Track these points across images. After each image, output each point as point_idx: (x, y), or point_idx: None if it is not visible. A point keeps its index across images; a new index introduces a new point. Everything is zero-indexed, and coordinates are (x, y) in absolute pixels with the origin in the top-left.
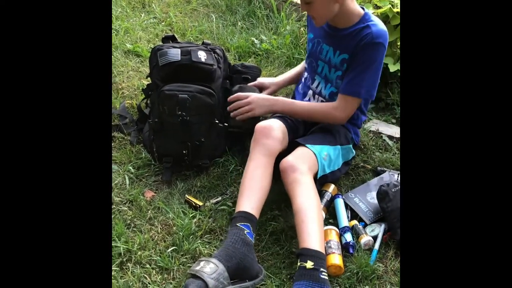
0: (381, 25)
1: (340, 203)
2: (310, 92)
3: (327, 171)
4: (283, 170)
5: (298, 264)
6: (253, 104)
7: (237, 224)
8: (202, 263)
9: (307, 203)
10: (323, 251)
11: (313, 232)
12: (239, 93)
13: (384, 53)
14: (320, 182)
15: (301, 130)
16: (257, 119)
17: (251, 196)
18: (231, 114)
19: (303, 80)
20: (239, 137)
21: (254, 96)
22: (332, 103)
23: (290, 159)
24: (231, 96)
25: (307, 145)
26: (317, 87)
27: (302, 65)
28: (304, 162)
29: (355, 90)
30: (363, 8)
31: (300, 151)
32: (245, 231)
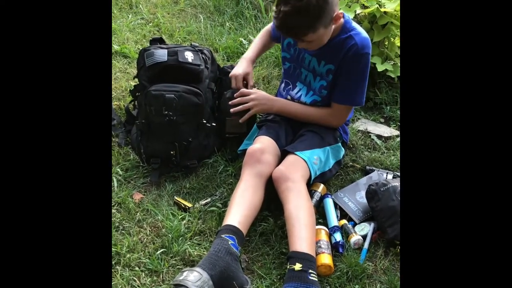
0: (363, 33)
1: (329, 202)
2: (289, 98)
3: (319, 173)
4: (276, 179)
5: (288, 267)
6: (255, 101)
7: (222, 236)
8: (185, 273)
9: (298, 209)
10: (313, 254)
11: (303, 235)
12: (244, 90)
13: (370, 60)
14: (309, 181)
15: (290, 134)
16: (253, 122)
17: (239, 212)
18: (231, 110)
19: (283, 84)
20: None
21: (257, 94)
22: (328, 109)
23: (281, 169)
24: (237, 93)
25: (296, 152)
26: (297, 93)
27: (264, 34)
28: (295, 170)
29: (349, 99)
30: (342, 15)
31: (290, 159)
32: (229, 242)
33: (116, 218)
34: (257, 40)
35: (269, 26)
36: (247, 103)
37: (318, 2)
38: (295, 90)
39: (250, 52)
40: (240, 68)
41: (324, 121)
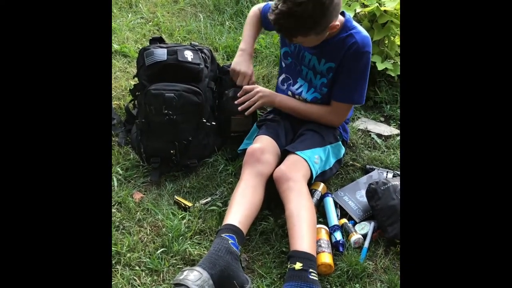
0: (363, 32)
1: (329, 201)
2: (289, 93)
3: (319, 172)
4: (277, 179)
5: (288, 266)
6: (260, 93)
7: (222, 235)
8: (185, 272)
9: (299, 208)
10: (314, 253)
11: (303, 235)
12: (247, 86)
13: (370, 59)
14: (311, 180)
15: (290, 133)
16: (256, 118)
17: (239, 211)
18: (239, 108)
19: (283, 76)
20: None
21: (260, 87)
22: (328, 107)
23: (282, 168)
24: (241, 92)
25: (297, 152)
26: (298, 89)
27: (255, 21)
28: (296, 170)
29: (349, 97)
30: (343, 13)
31: (291, 159)
32: (230, 241)
33: (116, 218)
34: (251, 29)
35: (256, 10)
36: (251, 98)
37: (314, 12)
38: (296, 86)
39: (250, 45)
40: (246, 65)
41: (324, 118)
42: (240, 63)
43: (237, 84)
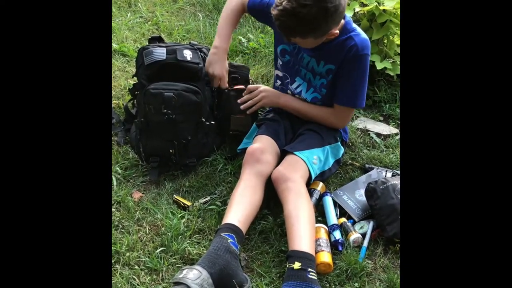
0: (362, 34)
1: (328, 201)
2: (289, 92)
3: (318, 172)
4: (275, 180)
5: (287, 265)
6: (264, 93)
7: (221, 234)
8: (185, 271)
9: (298, 208)
10: (313, 253)
11: (302, 234)
12: (250, 86)
13: (369, 61)
14: (309, 181)
15: (289, 132)
16: (256, 119)
17: (239, 211)
18: (242, 106)
19: (280, 73)
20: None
21: (264, 87)
22: (331, 110)
23: (281, 169)
24: (245, 91)
25: (295, 152)
26: (296, 88)
27: (236, 15)
28: (295, 170)
29: (351, 101)
30: (344, 16)
31: (289, 160)
32: (229, 240)
33: (115, 217)
34: (229, 24)
35: (239, 3)
36: (254, 97)
37: (317, 17)
38: (294, 85)
39: (225, 41)
40: (219, 65)
41: (327, 121)
42: (213, 63)
43: (213, 87)
